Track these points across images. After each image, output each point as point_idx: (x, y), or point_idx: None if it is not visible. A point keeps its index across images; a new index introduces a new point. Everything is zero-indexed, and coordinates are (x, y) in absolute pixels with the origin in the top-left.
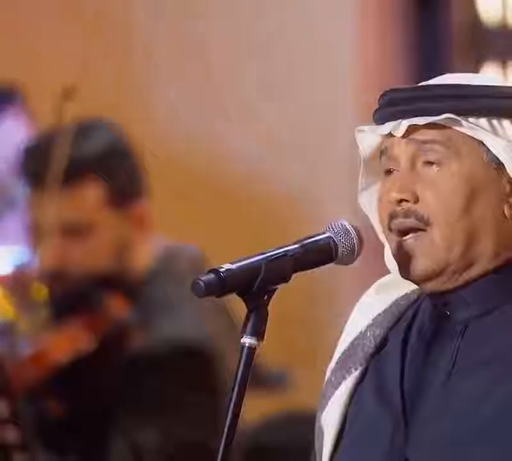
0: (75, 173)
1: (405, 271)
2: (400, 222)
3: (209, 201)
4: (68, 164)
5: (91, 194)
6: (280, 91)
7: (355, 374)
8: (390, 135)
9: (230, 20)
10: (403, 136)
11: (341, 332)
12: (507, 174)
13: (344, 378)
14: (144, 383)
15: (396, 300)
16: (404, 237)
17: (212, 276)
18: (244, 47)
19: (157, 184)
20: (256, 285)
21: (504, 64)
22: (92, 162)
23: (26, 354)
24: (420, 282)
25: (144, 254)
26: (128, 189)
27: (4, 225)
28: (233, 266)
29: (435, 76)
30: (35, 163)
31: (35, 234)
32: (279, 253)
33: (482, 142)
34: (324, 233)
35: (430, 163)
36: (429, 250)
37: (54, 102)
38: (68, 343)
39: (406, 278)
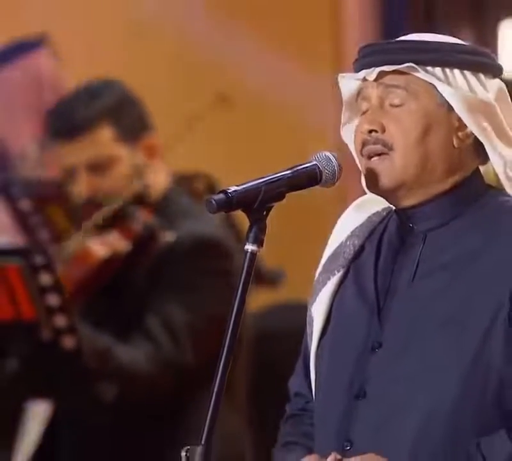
0: (89, 121)
1: (371, 185)
2: (370, 148)
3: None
4: (83, 115)
5: (107, 135)
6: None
7: (338, 275)
8: (365, 80)
9: None
10: (375, 80)
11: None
12: (456, 113)
13: (329, 278)
14: (171, 270)
15: (370, 216)
16: (371, 159)
17: (221, 195)
18: None
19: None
20: (257, 203)
21: (454, 28)
22: (103, 112)
23: (75, 256)
24: (383, 194)
25: (160, 177)
26: (137, 127)
27: None
28: (239, 188)
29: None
30: (58, 119)
31: (66, 173)
32: (275, 177)
33: (436, 86)
34: (311, 161)
35: (395, 103)
36: (389, 169)
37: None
38: (108, 246)
39: (372, 192)
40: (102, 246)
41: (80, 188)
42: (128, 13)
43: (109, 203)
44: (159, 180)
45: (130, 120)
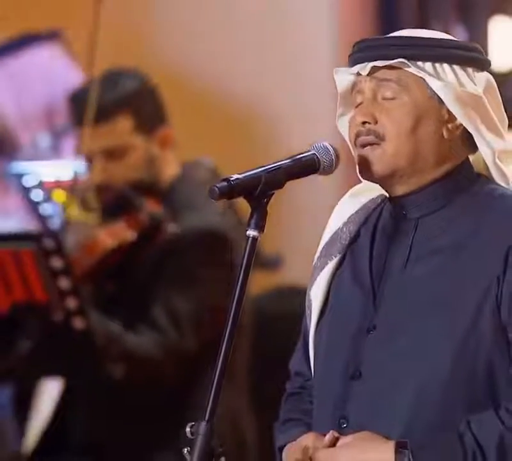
0: (110, 110)
1: (364, 173)
2: (363, 139)
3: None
4: (105, 103)
5: (124, 125)
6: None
7: (335, 260)
8: (359, 74)
9: None
10: (368, 74)
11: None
12: (446, 105)
13: (326, 263)
14: (176, 262)
15: (365, 204)
16: (364, 148)
17: (224, 183)
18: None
19: (178, 110)
20: (258, 191)
21: (446, 22)
22: (123, 101)
23: (83, 244)
24: (376, 181)
25: (170, 167)
26: (153, 118)
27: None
28: (241, 176)
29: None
30: (78, 105)
31: (84, 158)
32: (275, 166)
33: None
34: (309, 151)
35: (387, 96)
36: (381, 158)
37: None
38: (114, 236)
39: (365, 179)
40: (109, 236)
41: (97, 173)
42: (133, 15)
43: (119, 191)
44: (169, 171)
45: (148, 110)
